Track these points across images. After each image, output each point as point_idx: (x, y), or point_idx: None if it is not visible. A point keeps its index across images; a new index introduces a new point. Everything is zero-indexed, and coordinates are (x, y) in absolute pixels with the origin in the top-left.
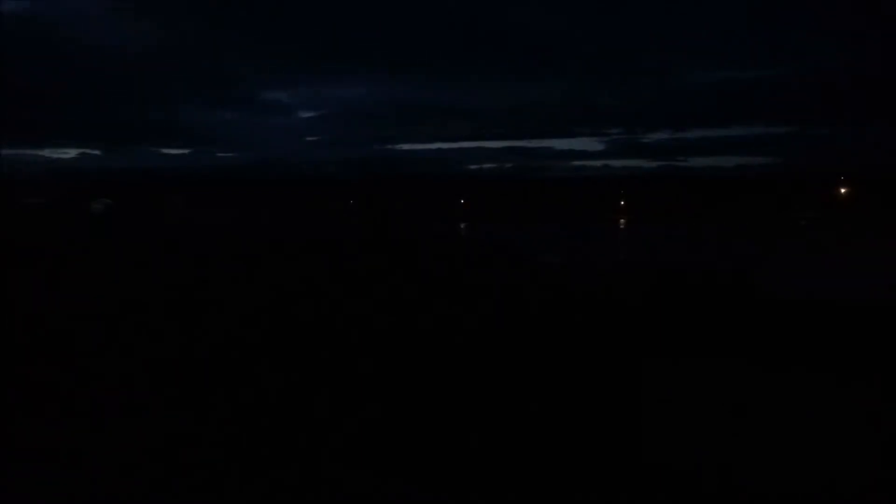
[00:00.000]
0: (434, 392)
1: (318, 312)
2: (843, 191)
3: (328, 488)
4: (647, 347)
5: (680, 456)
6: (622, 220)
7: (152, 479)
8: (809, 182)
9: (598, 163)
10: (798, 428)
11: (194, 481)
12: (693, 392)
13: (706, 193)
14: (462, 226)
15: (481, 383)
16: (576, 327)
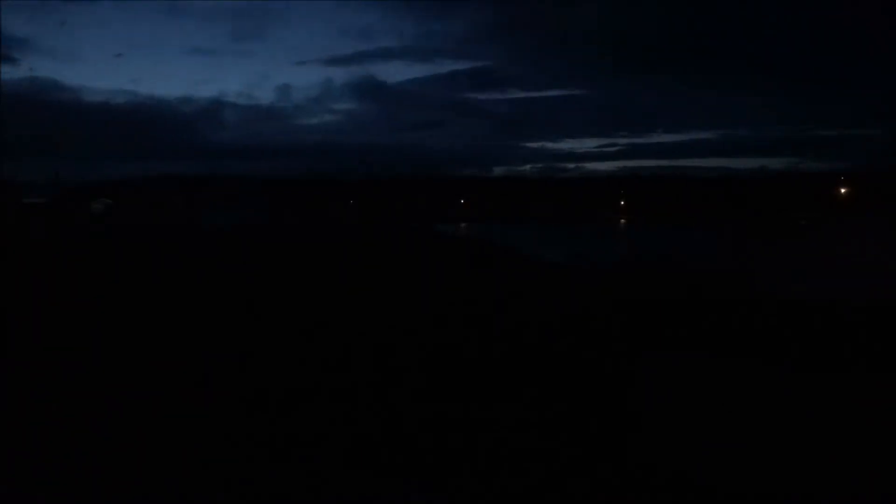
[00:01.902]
0: (433, 389)
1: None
2: (843, 191)
3: (328, 488)
4: (645, 346)
5: (678, 456)
6: (623, 220)
7: (151, 478)
8: (810, 182)
9: (600, 163)
10: (796, 427)
11: (193, 480)
12: (691, 390)
13: (707, 194)
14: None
15: (480, 381)
16: (574, 326)
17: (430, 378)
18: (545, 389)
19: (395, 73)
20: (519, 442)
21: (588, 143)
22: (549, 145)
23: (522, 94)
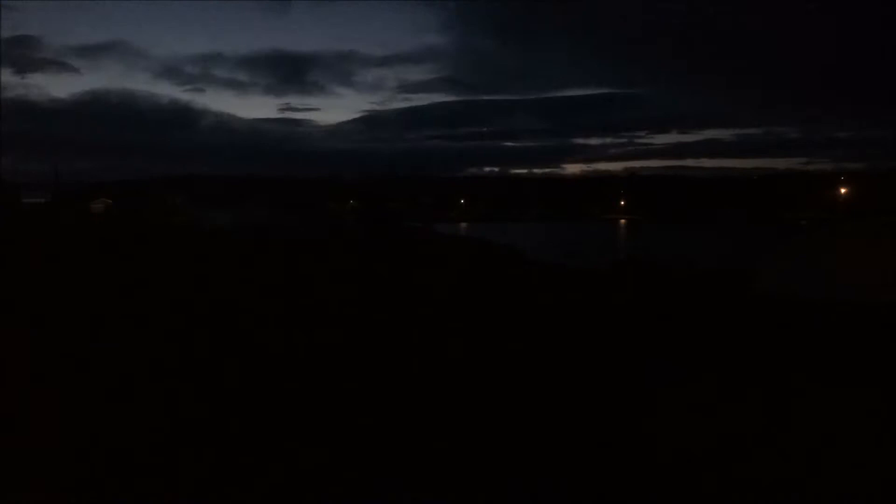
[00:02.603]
0: (432, 392)
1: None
2: (843, 191)
3: (326, 488)
4: (645, 346)
5: (679, 456)
6: (623, 220)
7: (149, 477)
8: (815, 183)
9: (601, 163)
10: (796, 427)
11: (191, 481)
12: (690, 391)
13: (710, 194)
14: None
15: (478, 381)
16: (573, 326)
17: (429, 377)
18: (544, 389)
19: (400, 76)
20: (518, 442)
21: (599, 143)
22: (557, 144)
23: (543, 95)
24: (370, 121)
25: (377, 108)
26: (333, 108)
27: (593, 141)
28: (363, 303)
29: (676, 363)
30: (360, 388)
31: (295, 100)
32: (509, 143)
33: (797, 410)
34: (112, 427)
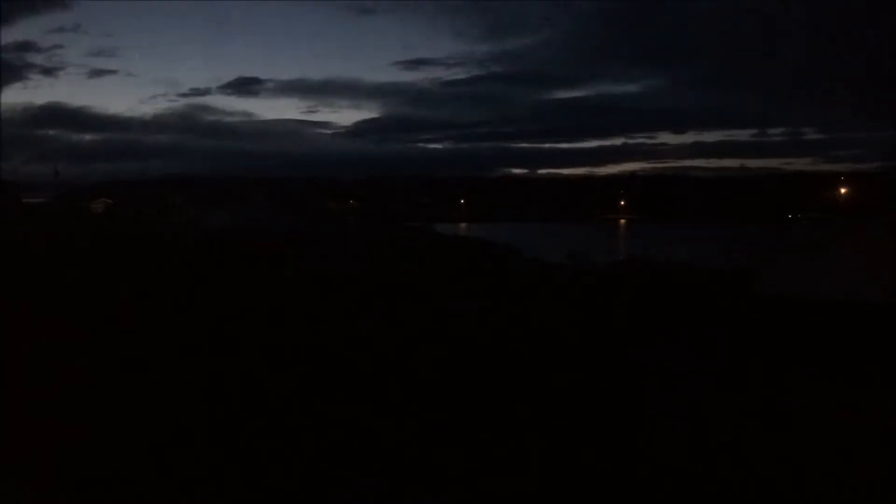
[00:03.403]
0: (431, 389)
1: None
2: (843, 191)
3: (325, 488)
4: (645, 345)
5: (678, 455)
6: (622, 220)
7: (149, 477)
8: (815, 182)
9: (600, 164)
10: (795, 427)
11: (194, 482)
12: (690, 391)
13: (713, 194)
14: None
15: (478, 381)
16: (573, 326)
17: (428, 378)
18: (544, 389)
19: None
20: (518, 442)
21: (610, 143)
22: (565, 145)
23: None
24: (377, 122)
25: (387, 110)
26: (348, 110)
27: (602, 142)
28: (358, 302)
29: (675, 363)
30: (356, 388)
31: (320, 102)
32: (515, 145)
33: (794, 408)
34: (112, 426)
